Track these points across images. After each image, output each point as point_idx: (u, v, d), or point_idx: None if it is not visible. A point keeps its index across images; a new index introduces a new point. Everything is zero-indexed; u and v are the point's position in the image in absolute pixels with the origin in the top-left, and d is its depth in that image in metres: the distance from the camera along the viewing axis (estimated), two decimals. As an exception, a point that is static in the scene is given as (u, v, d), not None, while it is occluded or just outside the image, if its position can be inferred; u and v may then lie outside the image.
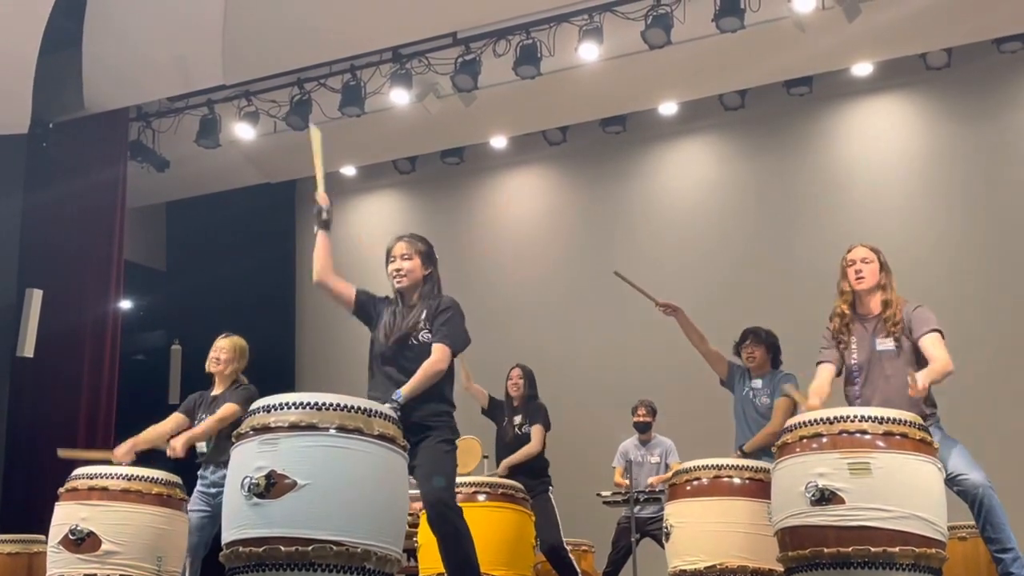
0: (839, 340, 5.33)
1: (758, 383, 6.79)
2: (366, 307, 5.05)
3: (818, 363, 5.39)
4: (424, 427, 4.72)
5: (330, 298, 5.12)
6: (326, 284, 5.03)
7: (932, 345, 5.08)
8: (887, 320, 5.23)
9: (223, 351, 6.45)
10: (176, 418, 6.39)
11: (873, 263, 5.34)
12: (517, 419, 7.64)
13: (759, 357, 6.83)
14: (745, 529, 5.54)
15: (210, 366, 6.47)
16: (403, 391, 4.63)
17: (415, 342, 4.86)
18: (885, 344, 5.20)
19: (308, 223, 14.66)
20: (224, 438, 6.12)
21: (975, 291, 10.47)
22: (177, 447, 6.05)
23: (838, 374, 5.36)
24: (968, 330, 10.12)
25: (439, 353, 4.79)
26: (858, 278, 5.31)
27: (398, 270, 4.98)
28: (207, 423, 6.16)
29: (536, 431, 7.52)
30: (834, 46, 9.91)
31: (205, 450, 6.28)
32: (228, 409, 6.12)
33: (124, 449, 6.13)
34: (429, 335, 4.85)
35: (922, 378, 4.82)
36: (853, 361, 5.27)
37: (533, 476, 7.32)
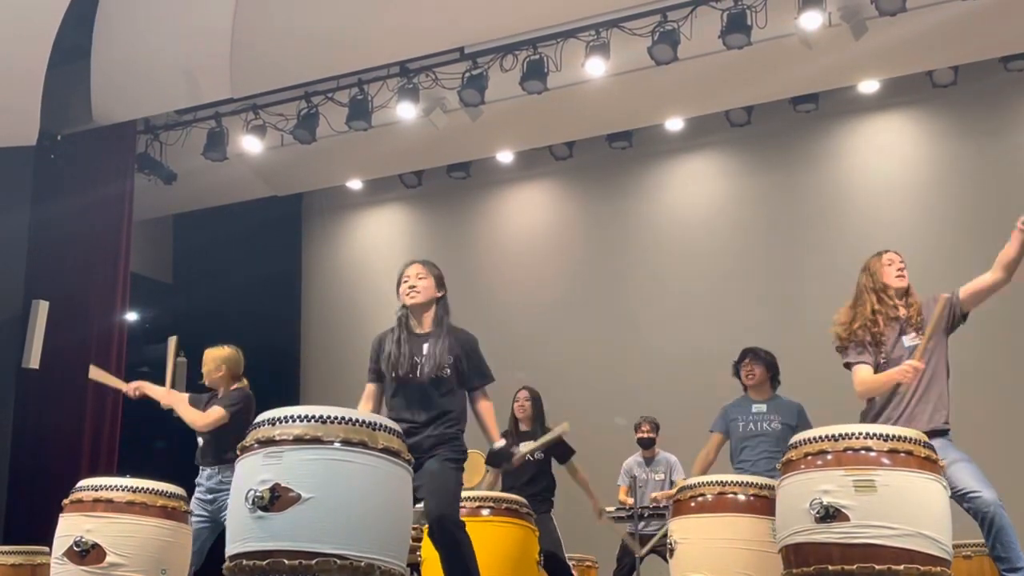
0: (877, 340, 5.34)
1: (762, 407, 6.78)
2: (379, 367, 5.07)
3: (855, 365, 5.34)
4: (433, 447, 4.77)
5: None
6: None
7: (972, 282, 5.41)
8: (912, 319, 5.31)
9: (204, 364, 6.64)
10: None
11: (905, 267, 5.48)
12: (525, 446, 7.56)
13: (759, 375, 6.83)
14: (749, 546, 5.53)
15: (204, 380, 6.63)
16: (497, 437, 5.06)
17: (443, 376, 4.90)
18: (912, 341, 5.26)
19: (315, 236, 14.72)
20: (216, 439, 6.23)
21: (981, 306, 10.44)
22: (137, 387, 6.57)
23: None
24: (976, 345, 10.11)
25: (488, 399, 5.09)
26: (899, 275, 5.45)
27: (412, 287, 5.00)
28: (193, 413, 6.38)
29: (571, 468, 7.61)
30: (841, 63, 9.93)
31: (202, 443, 6.42)
32: (215, 414, 6.33)
33: (135, 385, 6.66)
34: (449, 371, 4.90)
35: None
36: (882, 361, 5.29)
37: (541, 499, 7.29)
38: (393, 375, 4.94)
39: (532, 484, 7.37)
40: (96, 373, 7.05)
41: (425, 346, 4.94)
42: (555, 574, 7.05)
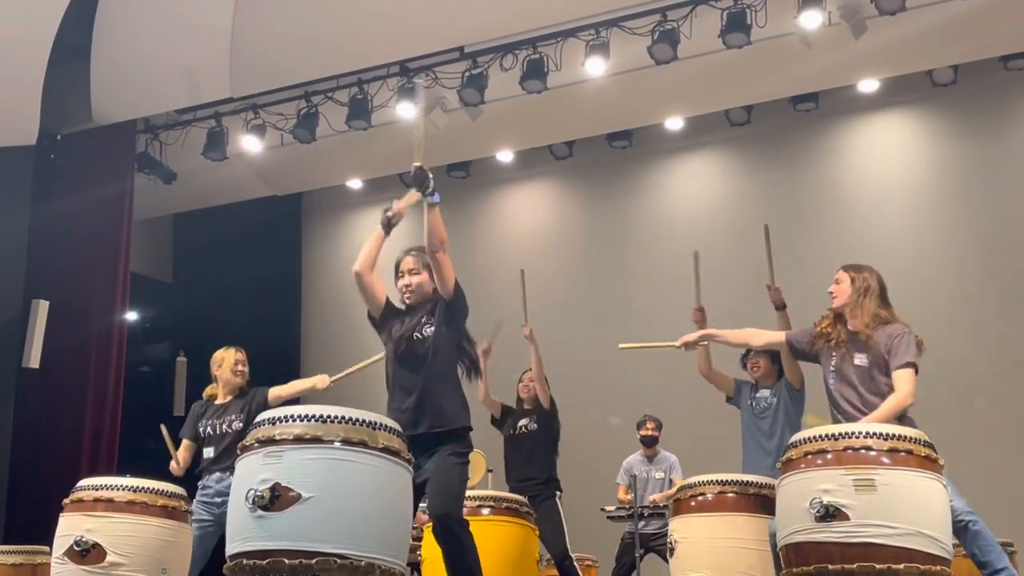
0: (823, 338, 5.37)
1: (765, 392, 6.80)
2: (386, 318, 5.02)
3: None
4: (437, 439, 4.73)
5: (362, 291, 4.97)
6: (364, 276, 4.91)
7: (898, 378, 5.04)
8: (864, 337, 5.20)
9: (245, 363, 6.57)
10: (186, 446, 6.53)
11: (842, 283, 5.39)
12: (524, 420, 7.63)
13: (764, 366, 6.85)
14: (749, 545, 5.53)
15: (236, 377, 6.53)
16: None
17: (419, 336, 4.85)
18: (861, 360, 5.19)
19: (315, 235, 14.68)
20: (231, 447, 6.19)
21: (980, 305, 10.46)
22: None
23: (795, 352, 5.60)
24: (976, 345, 10.12)
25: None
26: (832, 296, 5.41)
27: (407, 286, 4.98)
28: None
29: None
30: (840, 62, 9.93)
31: (212, 454, 6.34)
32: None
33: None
34: (431, 328, 4.85)
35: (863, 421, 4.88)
36: (831, 369, 5.30)
37: (543, 481, 7.32)
38: (391, 354, 4.93)
39: (532, 457, 7.41)
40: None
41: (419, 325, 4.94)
42: (557, 560, 7.07)
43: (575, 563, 7.25)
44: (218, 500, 6.14)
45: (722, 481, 5.75)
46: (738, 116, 11.70)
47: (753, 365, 6.91)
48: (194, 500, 6.15)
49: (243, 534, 4.06)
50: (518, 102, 10.36)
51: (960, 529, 4.93)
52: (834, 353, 5.28)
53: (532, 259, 12.70)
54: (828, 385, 5.30)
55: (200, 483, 6.32)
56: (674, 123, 11.65)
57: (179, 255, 13.93)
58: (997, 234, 10.73)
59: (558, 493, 7.42)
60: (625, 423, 9.09)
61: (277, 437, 4.09)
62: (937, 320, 9.49)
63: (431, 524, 4.64)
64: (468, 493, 6.15)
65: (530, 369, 7.77)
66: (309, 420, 4.11)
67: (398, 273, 5.04)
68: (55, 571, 5.59)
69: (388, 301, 5.05)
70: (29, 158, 11.12)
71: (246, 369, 6.56)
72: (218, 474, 6.24)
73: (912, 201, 11.19)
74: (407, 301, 4.99)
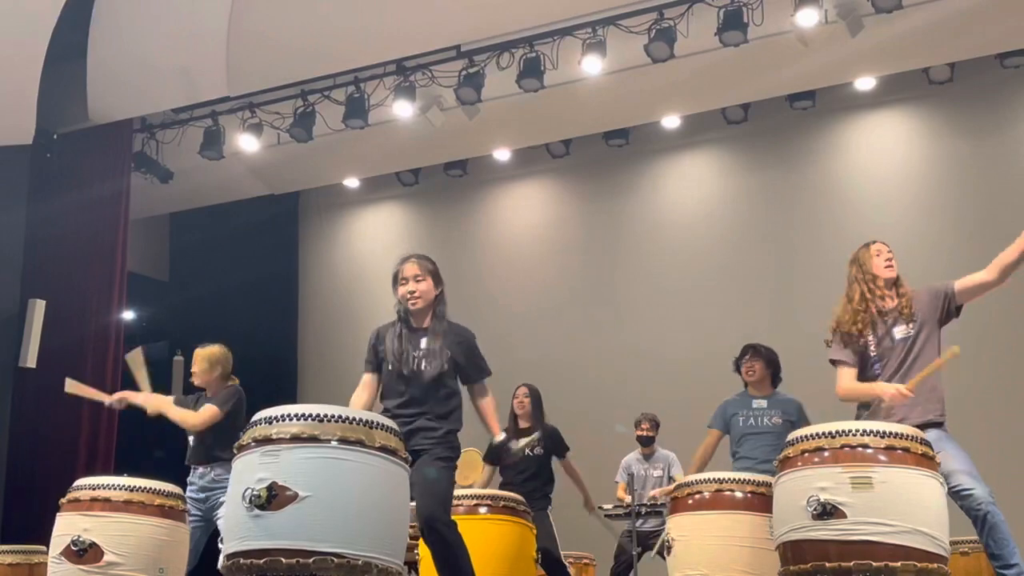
0: (863, 333, 5.31)
1: (763, 403, 6.78)
2: (378, 358, 5.05)
3: (838, 364, 5.36)
4: (426, 443, 4.77)
5: None
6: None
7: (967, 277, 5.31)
8: (902, 310, 5.27)
9: (195, 364, 6.53)
10: (165, 399, 6.56)
11: (893, 257, 5.44)
12: (525, 440, 7.58)
13: (759, 371, 6.84)
14: (747, 543, 5.53)
15: (193, 380, 6.56)
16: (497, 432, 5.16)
17: (442, 373, 4.90)
18: (903, 332, 5.24)
19: (311, 234, 14.68)
20: (207, 438, 6.21)
21: (978, 303, 10.44)
22: (120, 398, 6.53)
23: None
24: (971, 342, 10.10)
25: (487, 393, 5.12)
26: (887, 266, 5.41)
27: (412, 292, 4.95)
28: (184, 413, 6.33)
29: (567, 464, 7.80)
30: (837, 60, 9.93)
31: (192, 443, 6.38)
32: (207, 412, 6.25)
33: (117, 396, 6.58)
34: (447, 367, 4.90)
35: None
36: (872, 353, 5.28)
37: (537, 496, 7.30)
38: (391, 370, 4.93)
39: (532, 480, 7.40)
40: (73, 387, 6.78)
41: (424, 341, 4.92)
42: (550, 571, 7.07)
43: (567, 567, 7.29)
44: (202, 496, 6.21)
45: (719, 479, 5.77)
46: (735, 114, 11.70)
47: (748, 369, 6.90)
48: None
49: (240, 533, 4.06)
50: (515, 101, 10.35)
51: (979, 518, 4.91)
52: (871, 338, 5.29)
53: (529, 257, 12.74)
54: (874, 369, 5.26)
55: (188, 479, 6.34)
56: (671, 121, 11.65)
57: (175, 254, 13.92)
58: (994, 231, 10.65)
59: (549, 507, 7.44)
60: (630, 431, 9.06)
61: (274, 436, 4.09)
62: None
63: (418, 526, 4.64)
64: (466, 492, 6.17)
65: (524, 385, 7.74)
66: (306, 419, 4.11)
67: (400, 280, 5.01)
68: (52, 571, 5.58)
69: (370, 360, 5.07)
70: (25, 157, 11.12)
71: (194, 370, 6.50)
72: (201, 469, 6.30)
73: (909, 199, 11.19)
74: (413, 308, 4.96)
